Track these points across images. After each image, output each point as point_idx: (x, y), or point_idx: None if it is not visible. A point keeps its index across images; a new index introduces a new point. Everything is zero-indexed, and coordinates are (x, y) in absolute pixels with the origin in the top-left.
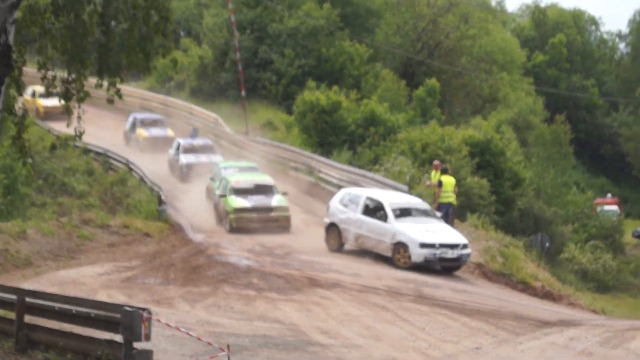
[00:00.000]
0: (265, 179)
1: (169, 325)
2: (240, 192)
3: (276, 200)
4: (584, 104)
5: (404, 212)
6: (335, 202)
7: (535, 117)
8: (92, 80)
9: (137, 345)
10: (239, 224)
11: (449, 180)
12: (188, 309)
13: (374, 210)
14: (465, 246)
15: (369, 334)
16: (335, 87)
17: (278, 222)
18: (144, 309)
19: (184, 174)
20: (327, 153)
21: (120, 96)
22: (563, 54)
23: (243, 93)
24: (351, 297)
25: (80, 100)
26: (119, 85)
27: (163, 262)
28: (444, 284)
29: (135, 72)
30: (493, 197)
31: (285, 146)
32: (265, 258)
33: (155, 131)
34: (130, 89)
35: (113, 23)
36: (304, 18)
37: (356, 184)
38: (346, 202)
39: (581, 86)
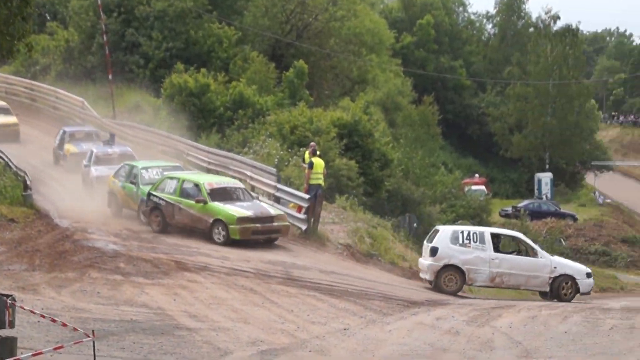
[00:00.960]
0: (234, 181)
1: (33, 312)
2: (221, 197)
3: (272, 209)
4: (451, 85)
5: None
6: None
7: (403, 99)
8: None
9: (1, 332)
10: (242, 235)
11: (319, 162)
12: (54, 295)
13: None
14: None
15: (237, 316)
16: (203, 70)
17: (280, 233)
18: (7, 296)
19: (95, 188)
20: (195, 136)
21: None
22: (431, 35)
23: (110, 76)
24: (219, 281)
25: None
26: None
27: (28, 248)
28: (312, 266)
29: None
30: (361, 178)
31: (153, 129)
32: (132, 242)
33: (88, 146)
34: None
35: None
36: (172, 0)
37: (225, 166)
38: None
39: (449, 67)
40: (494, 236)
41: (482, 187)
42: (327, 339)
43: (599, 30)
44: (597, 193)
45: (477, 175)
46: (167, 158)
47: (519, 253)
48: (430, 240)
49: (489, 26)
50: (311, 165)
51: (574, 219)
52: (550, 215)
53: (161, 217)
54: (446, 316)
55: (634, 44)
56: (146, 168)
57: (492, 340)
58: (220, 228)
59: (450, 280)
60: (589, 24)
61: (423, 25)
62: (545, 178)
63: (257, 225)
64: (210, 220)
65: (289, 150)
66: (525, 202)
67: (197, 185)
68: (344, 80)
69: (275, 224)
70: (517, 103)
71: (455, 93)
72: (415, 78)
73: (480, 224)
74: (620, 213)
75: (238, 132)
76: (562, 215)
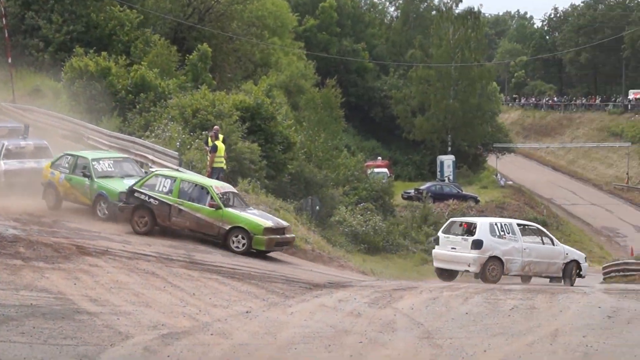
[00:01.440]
0: (229, 186)
1: None
2: (226, 202)
3: (279, 218)
4: (354, 68)
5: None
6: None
7: (306, 82)
8: None
9: None
10: (268, 247)
11: (221, 146)
12: None
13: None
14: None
15: (138, 300)
16: (104, 53)
17: (290, 245)
18: None
19: (2, 183)
20: (96, 120)
21: None
22: (333, 18)
23: (9, 60)
24: (121, 265)
25: None
26: None
27: None
28: (214, 249)
29: None
30: (264, 161)
31: (53, 113)
32: (32, 227)
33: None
34: None
35: None
36: None
37: (127, 150)
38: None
39: (352, 50)
40: (520, 227)
41: (385, 170)
42: (229, 321)
43: (501, 13)
44: (498, 175)
45: (379, 157)
46: (67, 143)
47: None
48: (449, 232)
49: (392, 9)
50: (215, 148)
51: (476, 200)
52: (453, 198)
53: (149, 217)
54: (348, 298)
55: (535, 27)
56: (97, 160)
57: (394, 322)
58: (240, 236)
59: (494, 270)
60: (491, 7)
61: (325, 8)
62: (447, 160)
63: (278, 236)
64: (227, 227)
65: (191, 133)
66: (428, 184)
67: (203, 187)
68: (247, 64)
69: (287, 235)
70: (420, 86)
71: (358, 76)
72: (318, 61)
73: (382, 206)
74: (522, 195)
75: (140, 116)
76: (465, 197)
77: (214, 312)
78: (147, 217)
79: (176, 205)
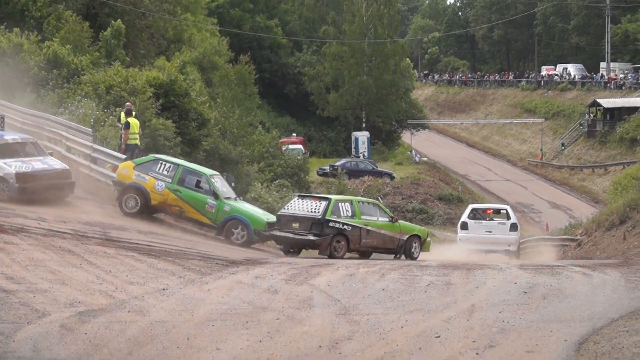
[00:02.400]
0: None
1: None
2: None
3: None
4: (267, 44)
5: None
6: None
7: (220, 58)
8: None
9: None
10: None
11: (135, 122)
12: None
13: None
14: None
15: (54, 278)
16: (16, 30)
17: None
18: None
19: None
20: (9, 97)
21: None
22: None
23: None
24: (36, 242)
25: None
26: None
27: None
28: (130, 226)
29: None
30: (178, 138)
31: None
32: None
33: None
34: None
35: None
36: None
37: (41, 127)
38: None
39: (265, 26)
40: None
41: (300, 146)
42: (145, 299)
43: None
44: (413, 151)
45: (294, 134)
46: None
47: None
48: (475, 218)
49: None
50: (128, 125)
51: (391, 177)
52: (368, 174)
53: (345, 243)
54: (265, 275)
55: (447, 3)
56: (213, 176)
57: (311, 298)
58: (417, 244)
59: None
60: None
61: None
62: (362, 137)
63: None
64: (405, 238)
65: (105, 110)
66: (343, 160)
67: (375, 204)
68: (160, 40)
69: None
70: (333, 62)
71: (271, 52)
72: (232, 37)
73: (298, 183)
74: (437, 171)
75: (53, 92)
76: (380, 174)
77: (131, 290)
78: (343, 242)
79: (364, 227)
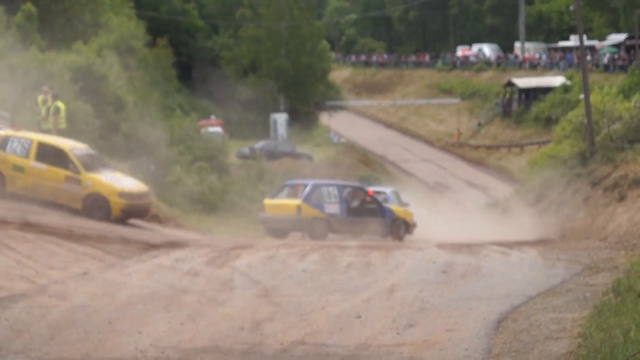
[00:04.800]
0: None
1: None
2: None
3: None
4: (185, 28)
5: None
6: None
7: (137, 41)
8: None
9: None
10: None
11: (63, 106)
12: None
13: None
14: None
15: None
16: None
17: None
18: None
19: None
20: None
21: None
22: None
23: None
24: None
25: None
26: None
27: None
28: (50, 211)
29: None
30: (97, 122)
31: None
32: None
33: None
34: None
35: None
36: None
37: None
38: None
39: (182, 10)
40: None
41: (219, 129)
42: (66, 283)
43: None
44: (331, 133)
45: (213, 116)
46: None
47: None
48: None
49: None
50: (58, 110)
51: (310, 158)
52: (287, 156)
53: None
54: (186, 258)
55: None
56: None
57: (232, 280)
58: None
59: None
60: None
61: None
62: (280, 119)
63: None
64: None
65: (23, 94)
66: (262, 143)
67: None
68: (76, 24)
69: None
70: (250, 45)
71: (188, 35)
72: (149, 21)
73: (217, 165)
74: (355, 152)
75: None
76: (298, 156)
77: (51, 274)
78: None
79: None
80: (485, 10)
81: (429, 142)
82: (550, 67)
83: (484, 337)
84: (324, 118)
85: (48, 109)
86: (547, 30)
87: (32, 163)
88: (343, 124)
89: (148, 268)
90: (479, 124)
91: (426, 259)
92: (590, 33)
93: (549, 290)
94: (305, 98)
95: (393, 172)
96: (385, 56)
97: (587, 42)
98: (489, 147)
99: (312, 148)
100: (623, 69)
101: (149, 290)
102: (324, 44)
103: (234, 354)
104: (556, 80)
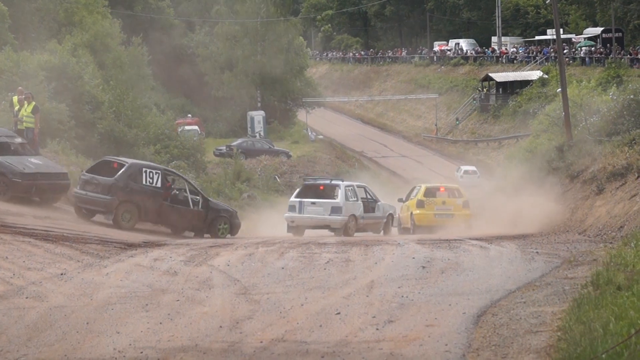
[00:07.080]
0: None
1: None
2: None
3: None
4: (160, 26)
5: None
6: None
7: (112, 40)
8: None
9: None
10: None
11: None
12: None
13: None
14: None
15: None
16: None
17: None
18: None
19: None
20: None
21: None
22: None
23: None
24: None
25: None
26: None
27: None
28: (27, 212)
29: None
30: (72, 121)
31: None
32: None
33: None
34: None
35: None
36: None
37: None
38: None
39: (157, 7)
40: None
41: (196, 127)
42: (44, 284)
43: None
44: (309, 130)
45: (189, 115)
46: None
47: None
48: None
49: None
50: (37, 109)
51: (288, 156)
52: (264, 153)
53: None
54: (164, 257)
55: None
56: None
57: (211, 279)
58: None
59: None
60: None
61: None
62: (257, 116)
63: None
64: None
65: None
66: (239, 140)
67: None
68: (51, 23)
69: None
70: (226, 42)
71: (164, 33)
72: (123, 19)
73: (195, 164)
74: (333, 149)
75: None
76: (276, 153)
77: (28, 275)
78: None
79: None
80: (462, 4)
81: (407, 138)
82: (527, 61)
83: (464, 331)
84: (301, 115)
85: (23, 110)
86: (523, 24)
87: None
88: (320, 121)
89: (126, 268)
90: (457, 119)
91: (405, 254)
92: (567, 27)
93: (529, 284)
94: (282, 95)
95: (371, 167)
96: (362, 52)
97: (563, 36)
98: (467, 142)
99: (290, 145)
100: (600, 62)
101: (127, 290)
102: (301, 40)
103: (214, 352)
104: (533, 74)
